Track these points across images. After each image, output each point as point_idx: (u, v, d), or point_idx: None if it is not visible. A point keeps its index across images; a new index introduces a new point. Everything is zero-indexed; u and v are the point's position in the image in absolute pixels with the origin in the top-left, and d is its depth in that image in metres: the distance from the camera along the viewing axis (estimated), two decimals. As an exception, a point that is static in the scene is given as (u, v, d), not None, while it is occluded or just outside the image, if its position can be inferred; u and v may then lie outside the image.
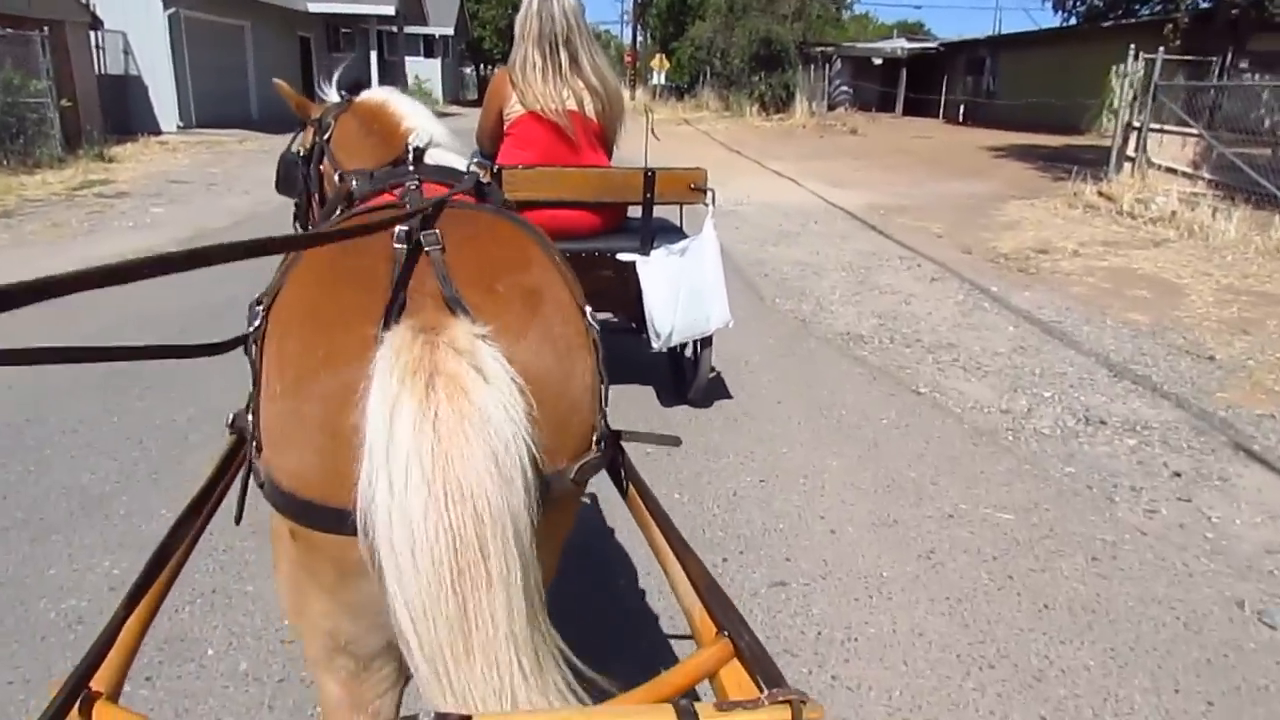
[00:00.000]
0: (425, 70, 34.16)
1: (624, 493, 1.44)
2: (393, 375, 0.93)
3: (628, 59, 60.34)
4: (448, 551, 0.91)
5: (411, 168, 1.58)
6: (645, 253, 3.61)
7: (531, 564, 0.98)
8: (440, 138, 1.81)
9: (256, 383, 1.13)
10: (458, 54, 42.00)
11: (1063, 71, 27.45)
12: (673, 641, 2.21)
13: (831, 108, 28.70)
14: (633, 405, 3.91)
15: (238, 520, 1.34)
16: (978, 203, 10.34)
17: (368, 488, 0.92)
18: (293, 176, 2.24)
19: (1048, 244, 7.70)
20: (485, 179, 1.54)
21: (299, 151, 2.24)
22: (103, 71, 16.70)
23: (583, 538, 2.62)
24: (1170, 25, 24.04)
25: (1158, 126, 9.98)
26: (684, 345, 3.90)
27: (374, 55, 25.13)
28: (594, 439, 1.17)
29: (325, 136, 2.07)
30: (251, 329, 1.19)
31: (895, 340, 4.90)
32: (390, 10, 24.18)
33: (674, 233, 3.85)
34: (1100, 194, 9.70)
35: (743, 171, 13.83)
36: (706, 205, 3.69)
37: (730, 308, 3.73)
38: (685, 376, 4.02)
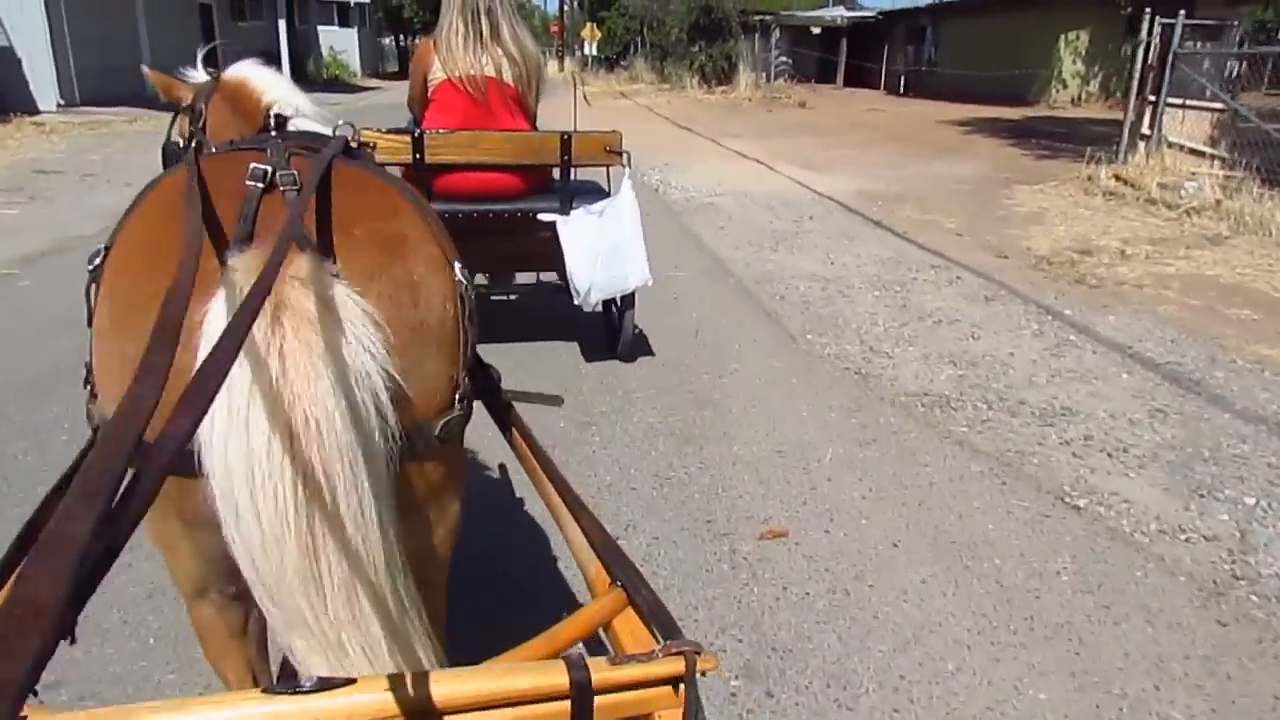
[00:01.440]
0: (341, 40, 31.90)
1: (516, 452, 1.43)
2: (229, 304, 0.89)
3: (554, 29, 58.20)
4: (292, 490, 0.86)
5: (274, 133, 1.46)
6: (565, 213, 3.75)
7: (388, 510, 0.94)
8: (305, 108, 1.75)
9: (91, 323, 1.09)
10: (375, 23, 39.52)
11: (1007, 41, 26.64)
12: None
13: (771, 79, 27.49)
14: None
15: None
16: (977, 188, 9.21)
17: (205, 427, 0.84)
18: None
19: (1087, 243, 6.56)
20: (354, 143, 1.43)
21: (178, 141, 2.17)
22: (-36, 42, 14.55)
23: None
24: (1120, -11, 23.54)
25: (1178, 101, 8.89)
26: (610, 303, 4.13)
27: (283, 24, 22.96)
28: (456, 395, 1.13)
29: (200, 124, 1.97)
30: (90, 268, 1.14)
31: (992, 404, 3.64)
32: (299, -27, 22.06)
33: (595, 194, 4.01)
34: (1118, 178, 8.63)
35: (702, 152, 12.49)
36: (623, 166, 3.82)
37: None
38: (616, 334, 4.16)
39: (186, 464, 0.86)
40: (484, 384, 1.46)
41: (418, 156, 3.55)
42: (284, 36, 22.89)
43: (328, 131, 1.56)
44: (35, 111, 15.24)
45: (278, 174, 1.09)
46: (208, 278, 0.92)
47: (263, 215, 1.04)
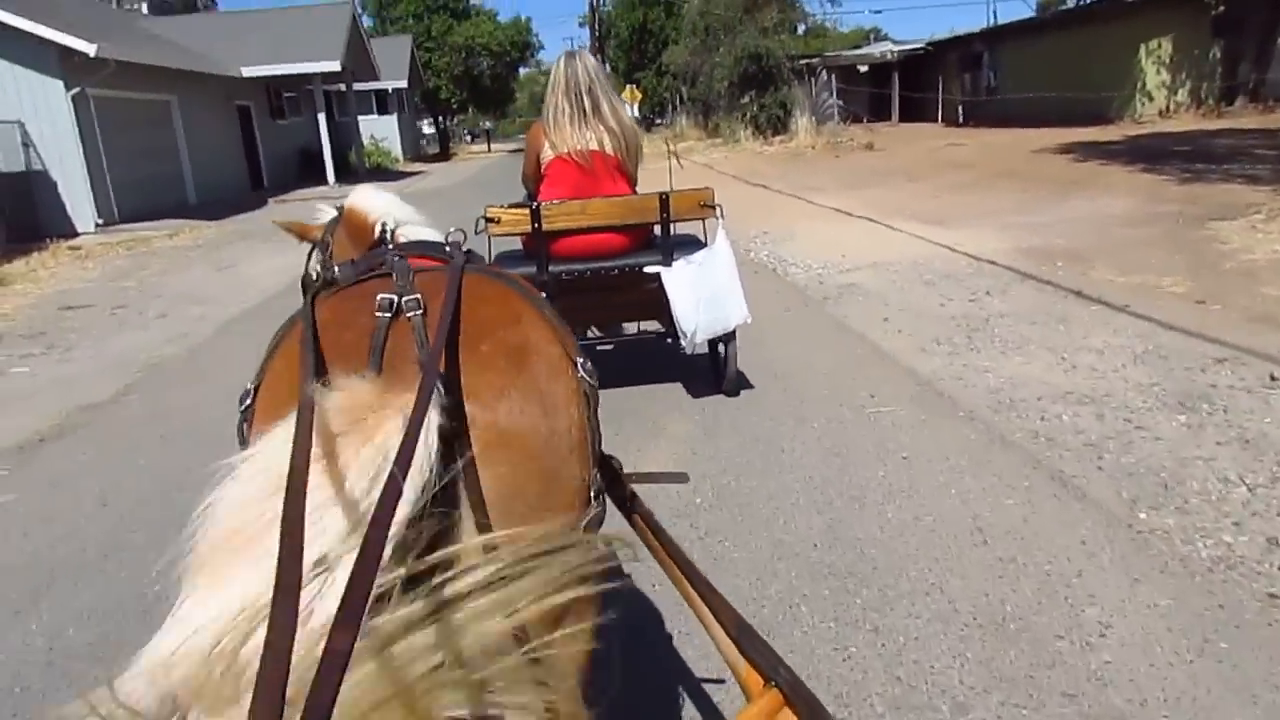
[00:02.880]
0: (381, 128, 31.46)
1: (643, 540, 1.40)
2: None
3: (589, 94, 58.21)
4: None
5: (390, 245, 1.61)
6: (667, 264, 4.11)
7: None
8: (407, 218, 1.86)
9: None
10: (413, 107, 39.31)
11: (1076, 59, 24.94)
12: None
13: (821, 122, 26.13)
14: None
15: None
16: (1160, 230, 7.57)
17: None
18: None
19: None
20: (465, 247, 1.53)
21: (315, 275, 2.23)
22: (-5, 170, 13.80)
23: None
24: (1214, -9, 21.78)
25: None
26: (714, 343, 4.40)
27: (322, 118, 22.26)
28: (590, 493, 1.15)
29: (328, 254, 2.10)
30: (241, 409, 1.21)
31: None
32: (335, 66, 21.37)
33: (693, 245, 4.27)
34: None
35: (795, 213, 11.03)
36: (718, 219, 4.19)
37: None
38: (721, 369, 4.42)
39: None
40: (607, 474, 1.41)
41: (536, 226, 3.99)
42: (324, 131, 22.16)
43: (432, 235, 1.72)
44: (73, 234, 14.44)
45: (403, 300, 1.13)
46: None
47: (392, 343, 1.09)
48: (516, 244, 4.38)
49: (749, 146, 23.91)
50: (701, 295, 4.06)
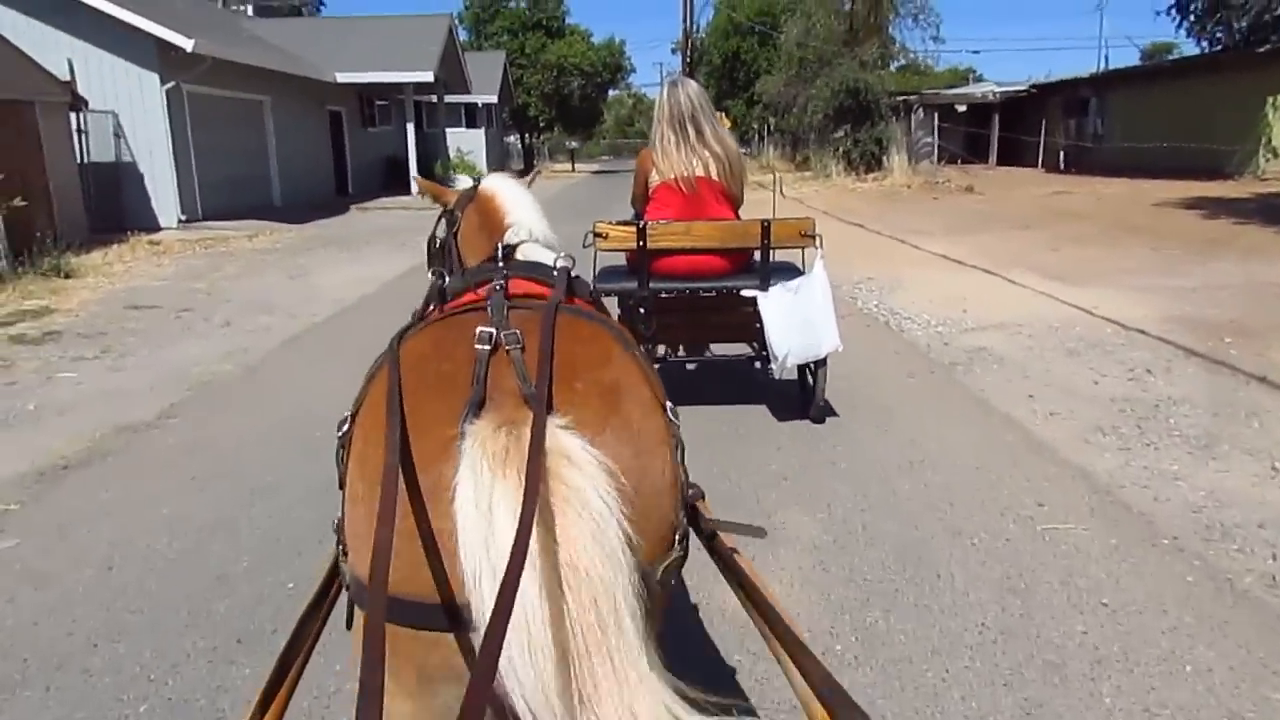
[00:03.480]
0: (468, 142, 31.38)
1: (727, 579, 1.39)
2: (482, 468, 0.96)
3: (676, 119, 57.82)
4: (563, 634, 0.90)
5: (501, 264, 1.67)
6: (764, 289, 4.24)
7: (647, 643, 0.97)
8: (539, 230, 1.93)
9: (342, 488, 1.18)
10: (501, 123, 39.36)
11: (1193, 109, 23.51)
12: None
13: (916, 161, 25.15)
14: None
15: (348, 625, 1.16)
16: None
17: (474, 584, 0.93)
18: (435, 258, 2.28)
19: None
20: (573, 273, 1.58)
21: (439, 237, 2.29)
22: (86, 159, 13.75)
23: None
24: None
25: None
26: (806, 367, 4.52)
27: (411, 128, 22.13)
28: (675, 537, 1.16)
29: (453, 230, 2.17)
30: (339, 434, 1.26)
31: None
32: (429, 77, 21.24)
33: (791, 272, 4.42)
34: None
35: (901, 259, 10.21)
36: (816, 248, 4.31)
37: None
38: (809, 396, 4.51)
39: (437, 619, 1.01)
40: (689, 513, 1.38)
41: (641, 244, 4.16)
42: (412, 141, 22.02)
43: (549, 259, 1.70)
44: (155, 228, 14.34)
45: (502, 334, 1.17)
46: (447, 444, 1.02)
47: (492, 376, 1.12)
48: (620, 259, 4.52)
49: (840, 182, 23.06)
50: (795, 321, 4.16)
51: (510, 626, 0.86)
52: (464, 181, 2.38)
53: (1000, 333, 6.25)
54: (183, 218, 14.84)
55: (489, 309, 1.28)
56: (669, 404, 1.24)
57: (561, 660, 0.90)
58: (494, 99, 32.67)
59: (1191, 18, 24.05)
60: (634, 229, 4.16)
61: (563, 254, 1.68)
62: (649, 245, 4.16)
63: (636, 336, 2.77)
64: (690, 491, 1.32)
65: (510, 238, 1.86)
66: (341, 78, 21.02)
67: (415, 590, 1.00)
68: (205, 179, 15.50)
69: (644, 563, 1.05)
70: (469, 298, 1.50)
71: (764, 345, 4.36)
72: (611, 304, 3.87)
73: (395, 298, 8.76)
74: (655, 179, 4.33)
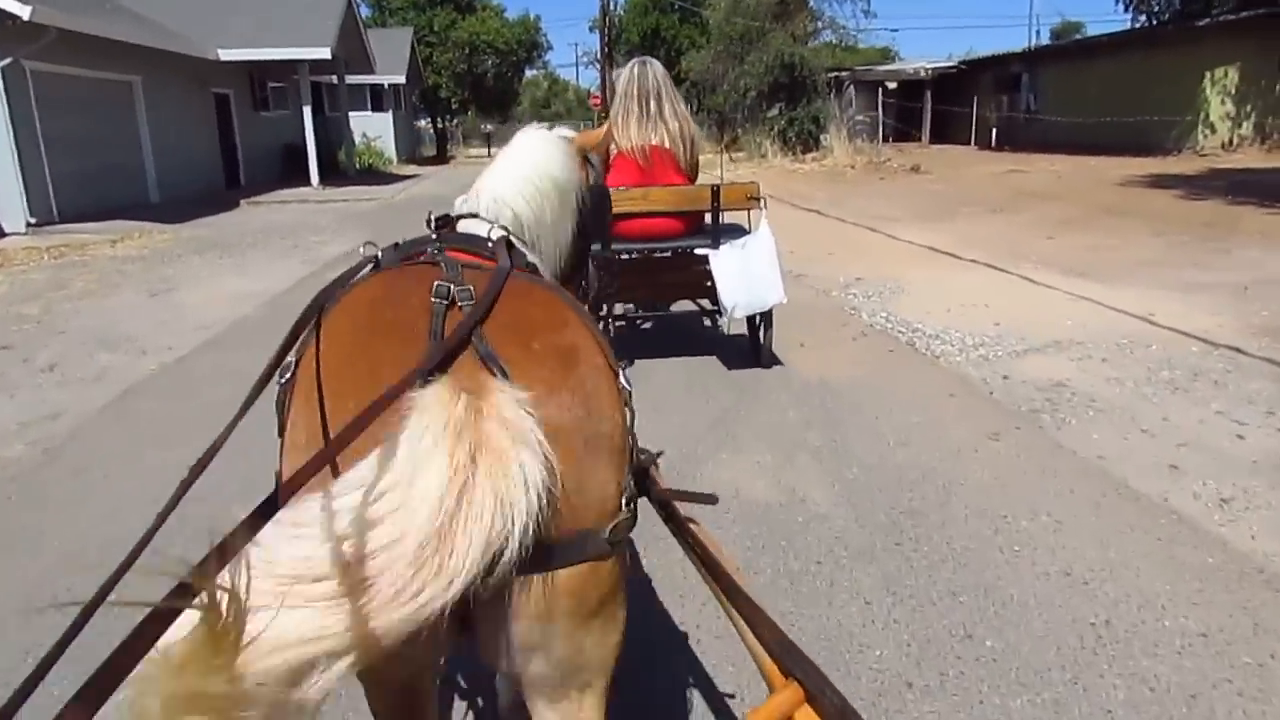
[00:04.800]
0: (375, 126, 29.13)
1: (680, 541, 1.45)
2: (425, 436, 0.92)
3: (594, 101, 55.62)
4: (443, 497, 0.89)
5: (434, 235, 1.59)
6: (715, 247, 4.58)
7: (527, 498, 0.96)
8: (486, 203, 1.75)
9: (282, 435, 1.15)
10: (411, 106, 36.97)
11: (1130, 84, 22.87)
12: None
13: (849, 139, 24.01)
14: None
15: None
16: None
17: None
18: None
19: None
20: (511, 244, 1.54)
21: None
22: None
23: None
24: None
25: None
26: (753, 319, 4.90)
27: (308, 111, 19.97)
28: (623, 499, 1.15)
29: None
30: (282, 380, 1.19)
31: None
32: (325, 54, 19.06)
33: (738, 232, 4.77)
34: None
35: (881, 252, 8.86)
36: (761, 209, 4.71)
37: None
38: (757, 347, 4.98)
39: None
40: (641, 481, 1.44)
41: None
42: (310, 125, 19.86)
43: (483, 231, 1.62)
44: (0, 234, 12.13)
45: (456, 289, 1.17)
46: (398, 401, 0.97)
47: (448, 332, 1.11)
48: None
49: (778, 163, 21.75)
50: (743, 277, 4.47)
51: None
52: None
53: (1063, 356, 4.88)
54: (31, 220, 12.58)
55: (442, 264, 1.27)
56: (621, 370, 1.24)
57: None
58: (402, 79, 30.34)
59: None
60: None
61: (497, 224, 1.67)
62: (611, 210, 4.08)
63: (601, 295, 2.99)
64: (643, 457, 1.38)
65: (458, 208, 1.76)
66: (225, 55, 18.72)
67: None
68: (60, 174, 13.22)
69: (592, 525, 1.08)
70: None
71: (716, 300, 4.76)
72: None
73: (279, 321, 7.02)
74: (614, 148, 4.53)
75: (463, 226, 1.68)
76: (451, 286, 1.16)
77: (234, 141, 21.12)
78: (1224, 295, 6.18)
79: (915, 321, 5.80)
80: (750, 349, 5.14)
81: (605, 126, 2.28)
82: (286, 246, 11.42)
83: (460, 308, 1.14)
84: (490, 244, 1.51)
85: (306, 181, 20.00)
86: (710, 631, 2.33)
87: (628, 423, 1.18)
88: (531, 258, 1.63)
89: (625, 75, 4.72)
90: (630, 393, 1.23)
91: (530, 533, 0.93)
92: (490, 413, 0.95)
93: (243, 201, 17.54)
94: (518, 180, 1.79)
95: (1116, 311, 5.81)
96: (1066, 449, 3.55)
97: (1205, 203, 11.37)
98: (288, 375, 1.18)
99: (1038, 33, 45.63)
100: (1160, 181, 14.31)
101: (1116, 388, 4.28)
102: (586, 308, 1.75)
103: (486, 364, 1.04)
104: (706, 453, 3.64)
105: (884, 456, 3.48)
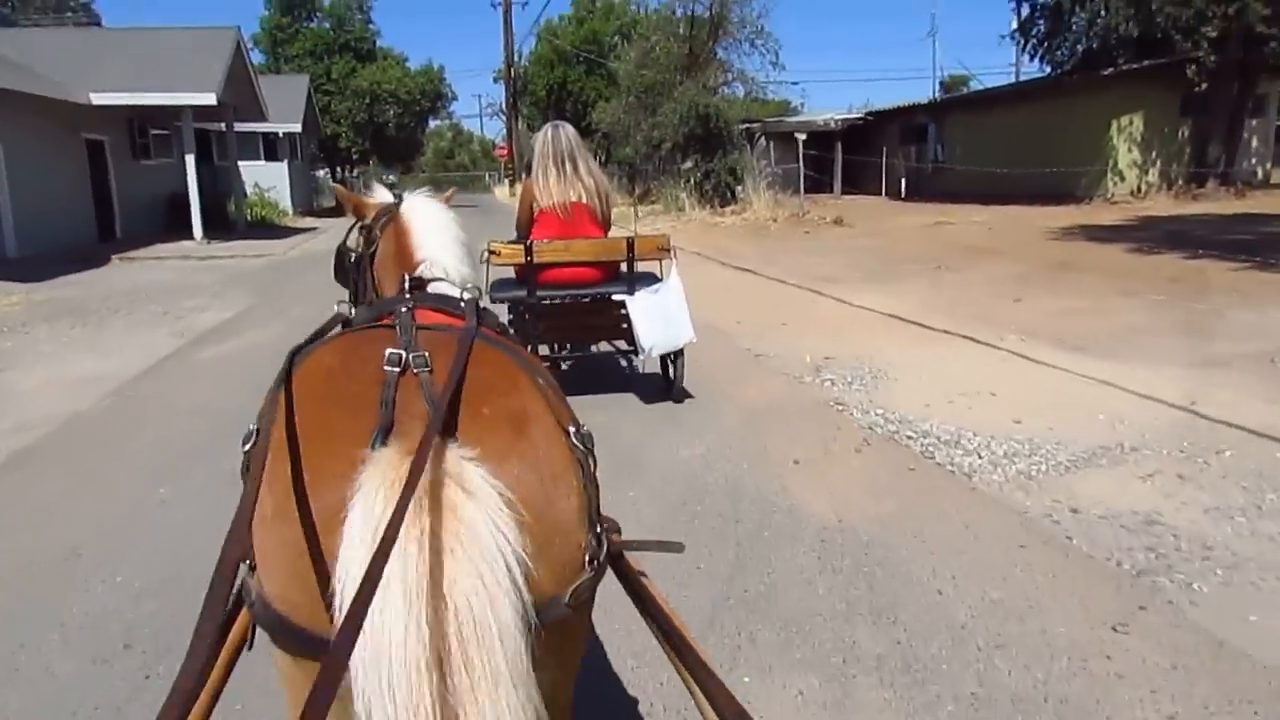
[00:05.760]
0: (268, 176, 27.36)
1: (637, 605, 1.41)
2: (378, 496, 0.96)
3: (500, 153, 54.47)
4: (428, 672, 0.90)
5: (408, 294, 1.64)
6: (631, 293, 5.10)
7: (525, 685, 0.96)
8: (450, 267, 1.85)
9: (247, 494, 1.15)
10: (308, 155, 35.17)
11: (1034, 134, 22.99)
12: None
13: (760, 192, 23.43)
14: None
15: (249, 645, 1.22)
16: None
17: (339, 612, 0.91)
18: (345, 270, 2.18)
19: None
20: (482, 304, 1.59)
21: (354, 250, 2.15)
22: None
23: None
24: (1193, 66, 20.13)
25: None
26: (666, 357, 5.31)
27: (191, 159, 18.26)
28: (585, 558, 1.14)
29: (370, 249, 2.04)
30: (246, 449, 1.23)
31: None
32: (210, 99, 17.48)
33: (651, 279, 5.28)
34: None
35: (840, 320, 7.93)
36: (672, 259, 5.22)
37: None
38: (669, 382, 5.42)
39: (314, 646, 0.99)
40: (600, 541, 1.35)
41: (529, 259, 5.01)
42: (193, 175, 18.15)
43: (457, 293, 1.73)
44: None
45: (410, 357, 1.17)
46: (352, 468, 1.00)
47: (400, 399, 1.11)
48: (510, 273, 5.32)
49: (696, 216, 20.96)
50: (657, 319, 5.01)
51: (369, 658, 0.89)
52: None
53: (1125, 471, 3.89)
54: None
55: (397, 328, 1.29)
56: (578, 428, 1.23)
57: (424, 700, 0.89)
58: (297, 128, 28.67)
59: (1034, 41, 23.68)
60: (522, 247, 5.01)
61: (469, 285, 1.74)
62: (535, 260, 5.03)
63: (525, 338, 3.67)
64: (605, 525, 1.30)
65: (424, 272, 1.80)
66: (98, 99, 16.96)
67: (297, 616, 1.02)
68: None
69: (550, 590, 1.06)
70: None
71: (631, 341, 5.18)
72: (501, 311, 5.08)
73: (132, 417, 5.59)
74: (538, 205, 5.16)
75: (435, 288, 1.74)
76: (404, 354, 1.17)
77: (109, 191, 19.20)
78: (1252, 371, 5.39)
79: (919, 420, 4.78)
80: (663, 385, 5.54)
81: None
82: (154, 313, 9.88)
83: (415, 374, 1.15)
84: (462, 304, 1.59)
85: (190, 235, 18.23)
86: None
87: (582, 480, 1.17)
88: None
89: (541, 139, 5.24)
90: (586, 449, 1.21)
91: (504, 602, 0.95)
92: (453, 482, 0.99)
93: (114, 257, 15.73)
94: (456, 243, 1.93)
95: (1149, 400, 4.92)
96: (1229, 646, 2.50)
97: (1159, 257, 10.89)
98: (252, 442, 1.20)
99: (942, 83, 46.65)
100: (1093, 233, 13.98)
101: (1226, 524, 3.30)
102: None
103: (441, 435, 1.04)
104: (721, 658, 2.48)
105: (984, 676, 2.38)
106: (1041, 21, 23.33)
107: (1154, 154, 21.89)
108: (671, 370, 5.35)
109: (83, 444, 5.04)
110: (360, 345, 1.29)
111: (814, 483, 3.94)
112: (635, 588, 1.38)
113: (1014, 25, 24.33)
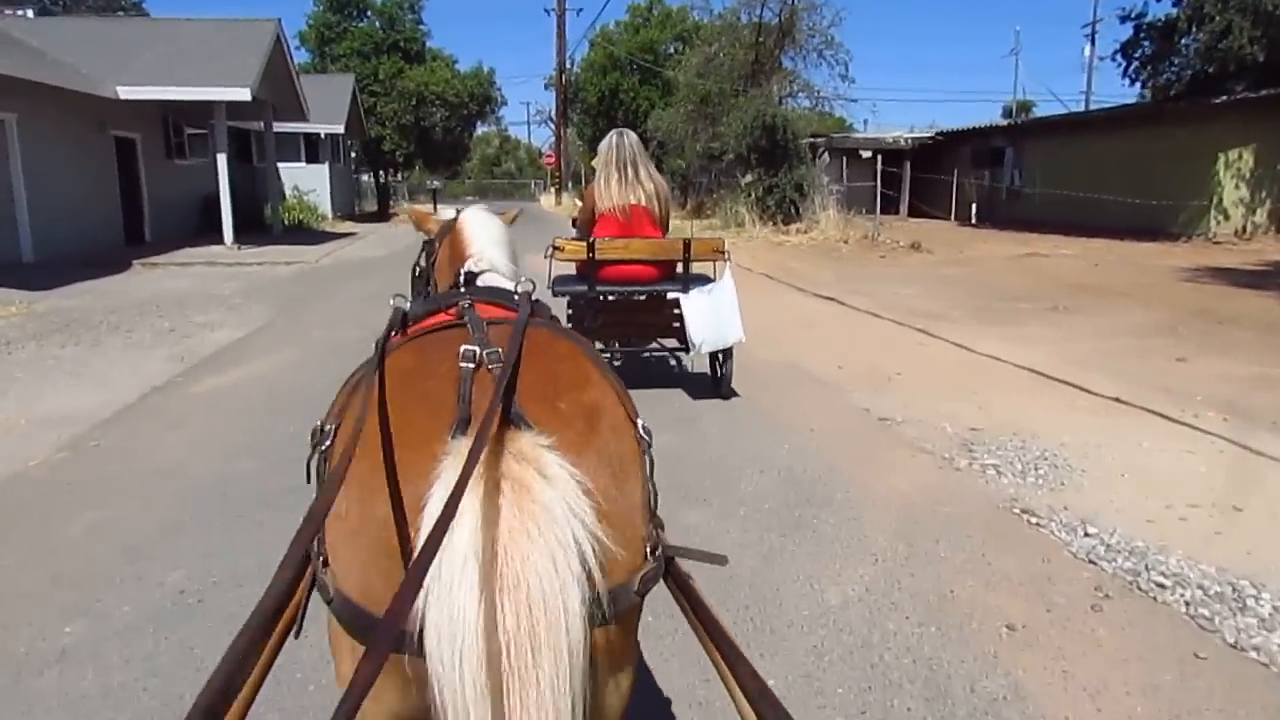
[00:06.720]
0: (308, 179, 26.37)
1: (677, 601, 1.37)
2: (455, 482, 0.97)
3: (548, 161, 53.46)
4: (496, 653, 0.90)
5: (463, 289, 1.70)
6: (685, 291, 5.44)
7: (582, 673, 0.96)
8: (500, 263, 1.93)
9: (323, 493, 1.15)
10: (350, 158, 34.20)
11: (1129, 163, 21.10)
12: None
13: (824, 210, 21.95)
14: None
15: (296, 634, 1.16)
16: None
17: (424, 593, 0.91)
18: (416, 285, 2.32)
19: None
20: (535, 297, 1.59)
21: (422, 266, 2.30)
22: None
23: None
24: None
25: None
26: (715, 356, 5.64)
27: (222, 159, 17.17)
28: (648, 550, 1.16)
29: (431, 259, 2.20)
30: (320, 450, 1.25)
31: None
32: (244, 95, 16.38)
33: (705, 280, 5.58)
34: None
35: (962, 372, 6.43)
36: (726, 260, 5.55)
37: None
38: (718, 380, 5.73)
39: (410, 643, 0.97)
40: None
41: (591, 255, 5.36)
42: (224, 175, 17.06)
43: (510, 286, 1.73)
44: None
45: (484, 352, 1.18)
46: (432, 464, 1.01)
47: (476, 395, 1.11)
48: (572, 270, 5.64)
49: (758, 233, 19.52)
50: (709, 317, 5.30)
51: (441, 635, 0.91)
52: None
53: None
54: None
55: (469, 326, 1.31)
56: (639, 421, 1.25)
57: (491, 676, 0.90)
58: (340, 129, 27.65)
59: (1136, 64, 21.90)
60: (585, 244, 5.37)
61: (524, 278, 1.69)
62: (597, 257, 5.35)
63: (584, 331, 3.82)
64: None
65: (471, 266, 1.87)
66: (124, 92, 15.93)
67: (379, 610, 0.99)
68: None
69: (621, 579, 1.07)
70: (435, 319, 1.48)
71: (683, 338, 5.50)
72: (559, 306, 4.61)
73: (78, 484, 4.24)
74: (600, 208, 5.52)
75: (486, 281, 1.79)
76: (478, 350, 1.18)
77: (139, 192, 18.23)
78: None
79: (1155, 551, 3.30)
80: (711, 383, 5.85)
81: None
82: (158, 330, 8.66)
83: (489, 369, 1.15)
84: (516, 296, 1.57)
85: (221, 239, 17.16)
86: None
87: (647, 472, 1.20)
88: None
89: (605, 145, 5.58)
90: (649, 443, 1.23)
91: (574, 588, 0.95)
92: (510, 452, 1.00)
93: (136, 262, 14.63)
94: (505, 246, 2.04)
95: None
96: None
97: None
98: (327, 444, 1.22)
99: (1018, 105, 44.77)
100: (1223, 276, 12.31)
101: None
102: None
103: (514, 422, 1.06)
104: None
105: None
106: (1147, 43, 21.44)
107: (1263, 193, 19.92)
108: (720, 369, 5.71)
109: (59, 497, 3.78)
110: (435, 343, 1.31)
111: (1052, 673, 2.48)
112: (681, 587, 1.30)
113: (1114, 48, 22.43)
